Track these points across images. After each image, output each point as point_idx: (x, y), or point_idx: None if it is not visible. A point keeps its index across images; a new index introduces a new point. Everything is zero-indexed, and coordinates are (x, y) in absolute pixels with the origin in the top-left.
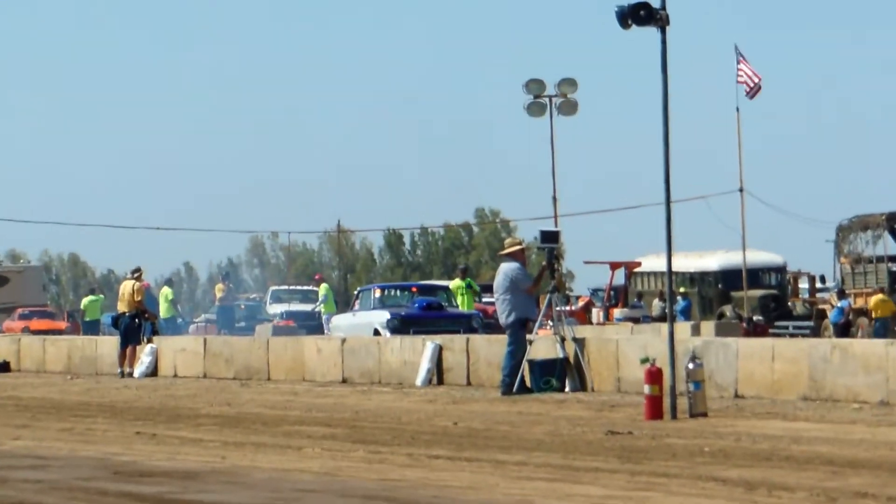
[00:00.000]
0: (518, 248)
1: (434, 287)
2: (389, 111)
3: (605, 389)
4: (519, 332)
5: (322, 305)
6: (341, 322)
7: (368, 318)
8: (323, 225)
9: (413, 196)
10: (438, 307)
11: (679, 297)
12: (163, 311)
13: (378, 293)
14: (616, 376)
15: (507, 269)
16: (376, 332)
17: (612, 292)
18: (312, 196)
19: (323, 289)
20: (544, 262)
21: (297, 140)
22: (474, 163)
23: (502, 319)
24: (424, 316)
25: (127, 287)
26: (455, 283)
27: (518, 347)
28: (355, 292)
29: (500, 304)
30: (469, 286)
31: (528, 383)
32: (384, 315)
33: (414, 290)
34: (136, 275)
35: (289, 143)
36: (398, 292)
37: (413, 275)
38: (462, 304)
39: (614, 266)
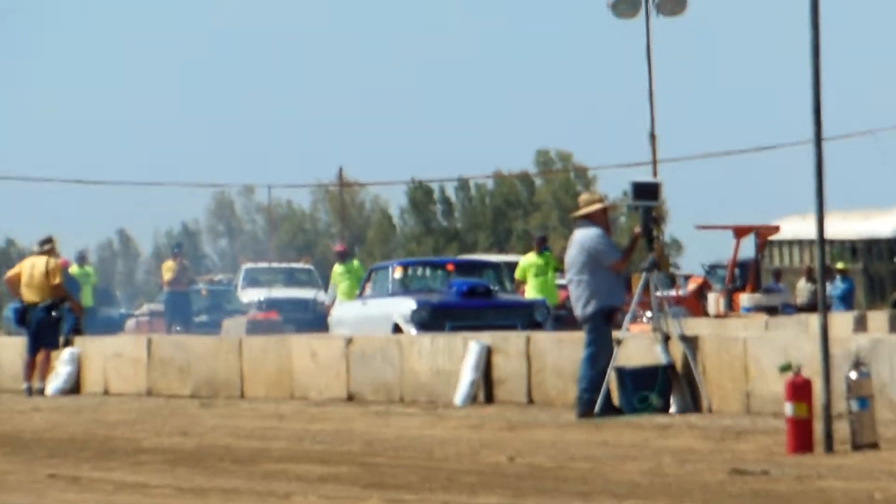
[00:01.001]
0: (599, 206)
1: (478, 264)
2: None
3: (728, 409)
4: (602, 327)
5: (337, 292)
6: (346, 314)
7: (385, 309)
8: (317, 175)
9: (447, 134)
10: (485, 292)
11: (837, 277)
12: (84, 298)
13: (399, 273)
14: (744, 391)
15: (583, 237)
16: (397, 329)
17: (736, 270)
18: (301, 135)
19: (340, 271)
20: (638, 228)
21: (277, 55)
22: (535, 87)
23: (578, 310)
24: (465, 305)
25: (38, 266)
26: (529, 260)
27: (601, 350)
28: (366, 272)
29: (574, 288)
30: (548, 264)
31: (615, 401)
32: (408, 304)
33: (450, 267)
34: (46, 247)
35: (266, 62)
36: (428, 271)
37: (448, 246)
38: (538, 290)
39: (740, 232)
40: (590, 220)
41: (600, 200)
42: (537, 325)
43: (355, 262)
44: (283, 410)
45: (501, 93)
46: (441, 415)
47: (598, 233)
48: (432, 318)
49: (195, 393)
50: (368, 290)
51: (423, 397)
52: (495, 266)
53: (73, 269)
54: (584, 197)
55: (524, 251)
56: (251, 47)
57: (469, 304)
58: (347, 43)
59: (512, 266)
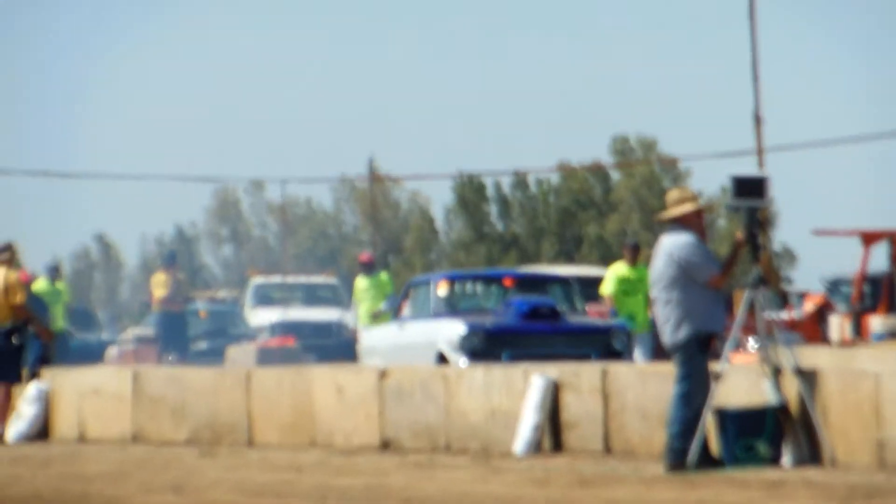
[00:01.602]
0: (692, 207)
1: (543, 278)
2: None
3: (856, 462)
4: (697, 358)
5: (362, 312)
6: (378, 340)
7: (427, 334)
8: (342, 168)
9: (501, 118)
10: (551, 314)
11: None
12: (55, 320)
13: (444, 289)
14: (875, 439)
15: (672, 245)
16: (442, 359)
17: (865, 286)
18: (322, 120)
19: (364, 286)
20: (740, 234)
21: (290, 28)
22: (609, 60)
23: (666, 336)
24: (527, 329)
25: None
26: (618, 272)
27: (696, 386)
28: (403, 287)
29: (661, 309)
30: (641, 279)
31: (714, 450)
32: (456, 327)
33: (507, 283)
34: (4, 257)
35: (277, 37)
36: (479, 287)
37: (505, 255)
38: (628, 311)
39: (869, 238)
40: (681, 223)
41: (693, 199)
42: (615, 354)
43: (383, 275)
44: (302, 461)
45: (567, 67)
46: (497, 467)
47: (691, 240)
48: (486, 346)
49: (192, 439)
50: (407, 310)
51: (475, 444)
52: (563, 281)
53: (41, 284)
54: (673, 194)
55: (600, 261)
56: (258, 20)
57: (531, 329)
58: (378, 13)
59: (585, 281)
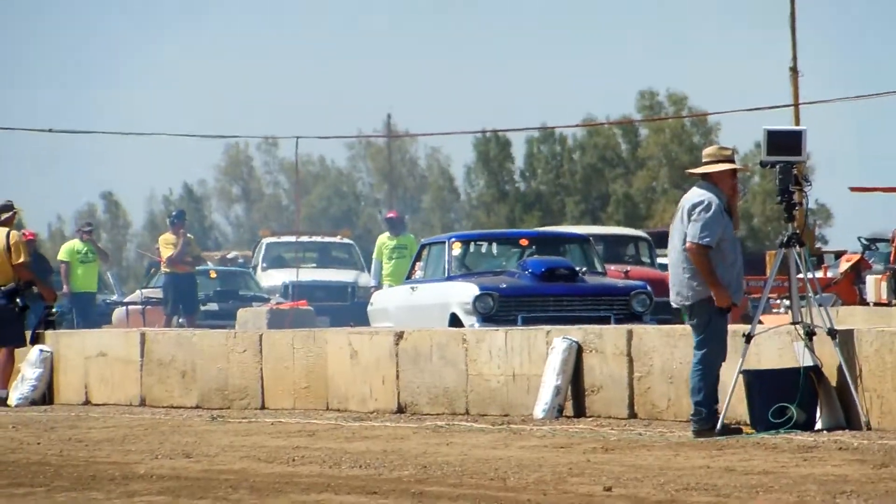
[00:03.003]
0: (727, 167)
1: (561, 237)
2: None
3: (893, 426)
4: (715, 319)
5: (384, 273)
6: (390, 302)
7: (440, 296)
8: (358, 124)
9: (525, 72)
10: (568, 275)
11: None
12: (79, 281)
13: (458, 249)
14: None
15: (688, 201)
16: (455, 321)
17: None
18: (337, 76)
19: (391, 245)
20: (779, 193)
21: None
22: (635, 11)
23: (679, 296)
24: (543, 291)
25: None
26: None
27: (717, 350)
28: (418, 248)
29: (675, 267)
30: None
31: (736, 417)
32: (469, 289)
33: (523, 242)
34: (5, 216)
35: None
36: (495, 248)
37: (528, 215)
38: None
39: None
40: (711, 181)
41: (730, 159)
42: (636, 317)
43: (411, 237)
44: (315, 426)
45: (594, 20)
46: (517, 431)
47: (706, 198)
48: (500, 308)
49: (202, 403)
50: (419, 271)
51: (494, 409)
52: (582, 240)
53: (73, 244)
54: (709, 150)
55: (626, 220)
56: None
57: (547, 291)
58: None
59: (610, 240)
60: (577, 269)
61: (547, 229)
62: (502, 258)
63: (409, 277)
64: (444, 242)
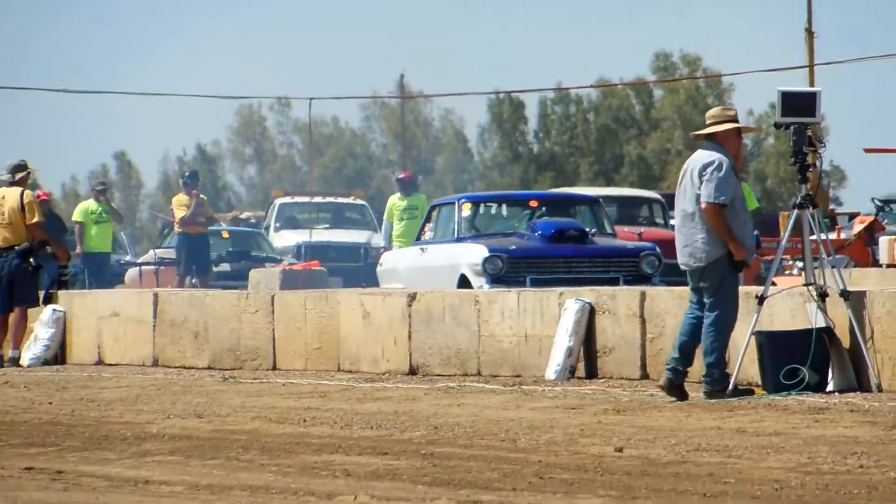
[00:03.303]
0: (731, 126)
1: (571, 199)
2: None
3: None
4: (728, 280)
5: (395, 234)
6: (400, 263)
7: (449, 257)
8: (372, 85)
9: (540, 33)
10: (578, 236)
11: None
12: (92, 241)
13: (467, 210)
14: None
15: (699, 161)
16: (464, 282)
17: None
18: (350, 36)
19: (403, 206)
20: (792, 155)
21: None
22: None
23: (689, 257)
24: (552, 252)
25: (9, 200)
26: None
27: (729, 311)
28: (427, 209)
29: (685, 228)
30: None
31: (747, 378)
32: (478, 251)
33: (533, 204)
34: (19, 176)
35: None
36: (505, 209)
37: (541, 176)
38: None
39: None
40: (717, 142)
41: (734, 119)
42: (644, 279)
43: (422, 197)
44: (327, 387)
45: None
46: (529, 393)
47: (717, 158)
48: (509, 270)
49: (214, 364)
50: (429, 232)
51: (506, 370)
52: (593, 201)
53: (88, 205)
54: (713, 111)
55: (640, 182)
56: None
57: (556, 252)
58: None
59: (623, 202)
60: (587, 230)
61: (557, 191)
62: (512, 220)
63: (418, 238)
64: (453, 203)
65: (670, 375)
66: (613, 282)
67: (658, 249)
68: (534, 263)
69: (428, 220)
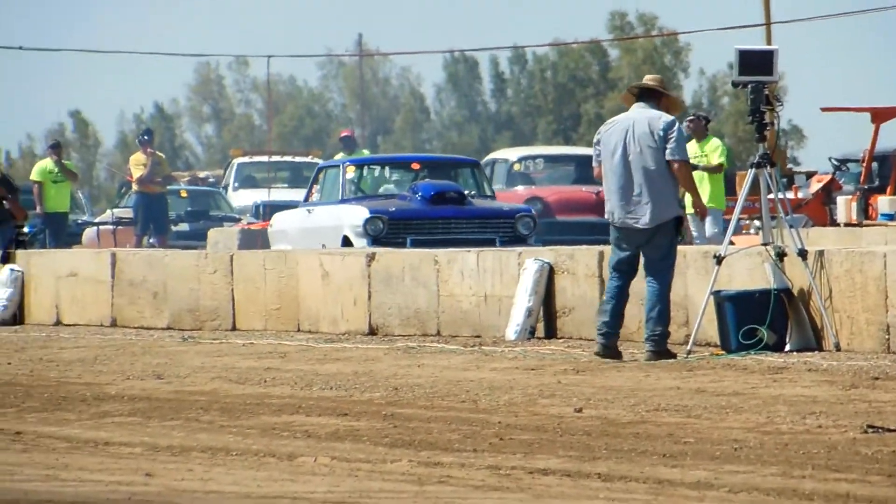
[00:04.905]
0: (654, 85)
1: (452, 161)
2: None
3: (862, 347)
4: (675, 242)
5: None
6: (288, 223)
7: (334, 218)
8: (329, 44)
9: None
10: (457, 198)
11: None
12: (51, 201)
13: (351, 173)
14: (882, 323)
15: (653, 119)
16: (347, 243)
17: (874, 165)
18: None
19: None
20: (750, 113)
21: None
22: None
23: (646, 217)
24: (430, 214)
25: None
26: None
27: (673, 274)
28: (314, 172)
29: (651, 189)
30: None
31: (716, 337)
32: (359, 212)
33: (415, 166)
34: None
35: None
36: (388, 172)
37: (499, 135)
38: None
39: (879, 116)
40: (661, 105)
41: (660, 81)
42: (520, 240)
43: (365, 153)
44: (287, 347)
45: None
46: (489, 353)
47: (673, 119)
48: (390, 231)
49: (173, 324)
50: (316, 194)
51: (466, 331)
52: (473, 164)
53: (45, 163)
54: (655, 77)
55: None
56: None
57: (435, 213)
58: None
59: (580, 160)
60: (466, 192)
61: (438, 154)
62: (395, 182)
63: (306, 200)
64: (338, 166)
65: (604, 341)
66: (490, 242)
67: (533, 211)
68: (413, 225)
69: (315, 181)
